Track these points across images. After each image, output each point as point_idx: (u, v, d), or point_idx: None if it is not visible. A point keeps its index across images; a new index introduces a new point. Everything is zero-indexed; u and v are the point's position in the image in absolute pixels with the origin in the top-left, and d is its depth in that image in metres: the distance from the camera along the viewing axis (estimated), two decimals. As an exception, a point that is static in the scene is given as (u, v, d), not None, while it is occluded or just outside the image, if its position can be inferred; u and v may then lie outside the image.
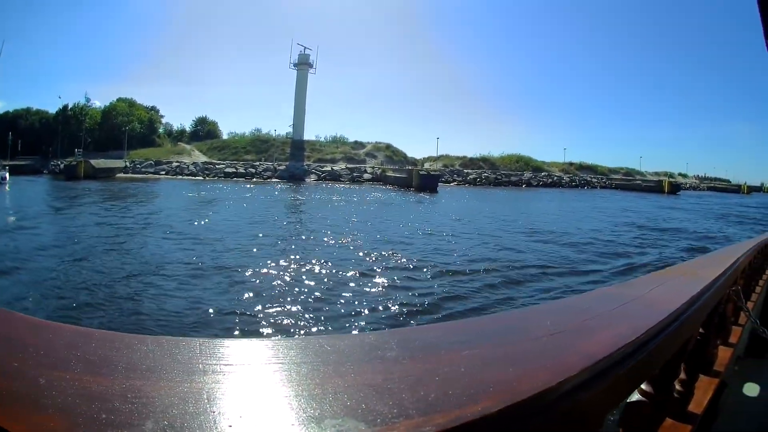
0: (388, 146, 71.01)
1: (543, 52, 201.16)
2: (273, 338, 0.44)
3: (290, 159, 64.10)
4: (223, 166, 61.35)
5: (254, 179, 57.38)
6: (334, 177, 58.95)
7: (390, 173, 55.90)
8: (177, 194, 34.44)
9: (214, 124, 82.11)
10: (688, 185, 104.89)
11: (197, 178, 58.29)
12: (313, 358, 0.54)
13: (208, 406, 0.42)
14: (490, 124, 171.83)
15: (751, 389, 2.58)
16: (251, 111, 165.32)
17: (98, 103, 75.95)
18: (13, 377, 0.43)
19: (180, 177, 58.22)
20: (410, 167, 56.11)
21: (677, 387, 1.56)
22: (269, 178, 58.15)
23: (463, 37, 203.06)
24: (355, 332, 6.34)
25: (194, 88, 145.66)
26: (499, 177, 66.89)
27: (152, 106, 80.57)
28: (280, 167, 60.24)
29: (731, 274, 2.01)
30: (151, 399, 0.42)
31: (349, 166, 62.27)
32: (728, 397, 2.29)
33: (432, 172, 51.01)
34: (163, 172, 60.28)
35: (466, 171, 66.73)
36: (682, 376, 1.59)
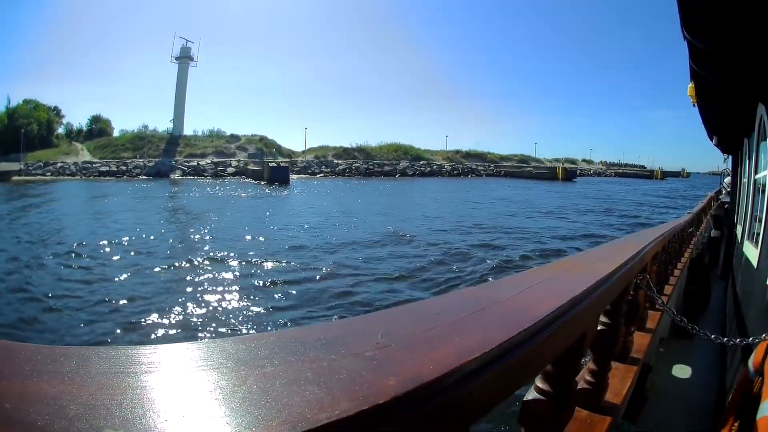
0: (262, 138, 73.39)
1: (433, 41, 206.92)
2: None
3: (163, 155, 66.43)
4: (99, 165, 63.30)
5: (125, 177, 59.63)
6: (198, 172, 61.49)
7: (251, 167, 58.45)
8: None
9: (106, 122, 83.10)
10: (591, 171, 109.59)
11: (76, 177, 60.27)
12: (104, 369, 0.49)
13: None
14: (373, 114, 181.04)
15: (681, 371, 2.72)
16: (145, 107, 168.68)
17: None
18: None
19: (62, 177, 59.84)
20: (265, 160, 57.94)
21: (589, 378, 1.60)
22: (138, 175, 60.46)
23: (347, 27, 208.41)
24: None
25: (100, 87, 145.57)
26: (371, 167, 70.23)
27: (54, 107, 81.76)
28: (150, 164, 62.68)
29: (636, 263, 1.92)
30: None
31: (215, 160, 64.89)
32: (656, 380, 2.31)
33: (281, 165, 53.09)
34: (49, 174, 61.63)
35: (336, 162, 70.08)
36: (593, 366, 1.63)
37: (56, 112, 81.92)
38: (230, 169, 62.23)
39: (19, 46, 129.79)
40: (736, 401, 1.70)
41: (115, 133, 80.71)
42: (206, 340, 0.58)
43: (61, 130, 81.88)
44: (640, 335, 2.55)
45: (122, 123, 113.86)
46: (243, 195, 37.00)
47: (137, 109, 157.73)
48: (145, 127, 78.11)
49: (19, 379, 0.44)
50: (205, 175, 61.06)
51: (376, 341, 0.66)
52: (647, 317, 2.92)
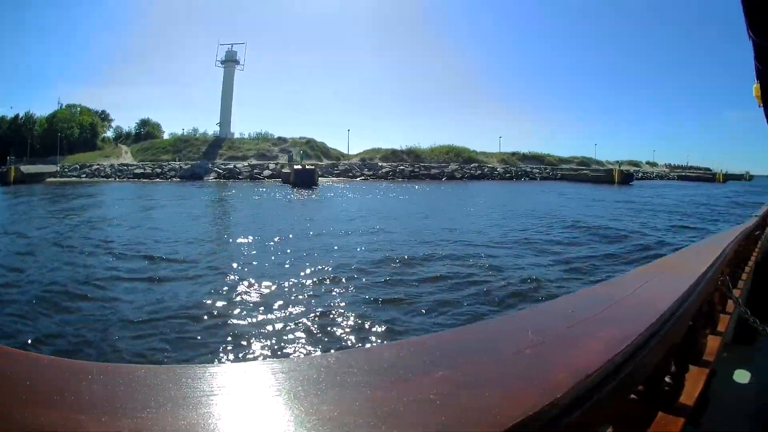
0: (308, 141, 69.86)
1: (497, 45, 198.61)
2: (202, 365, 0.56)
3: (203, 158, 63.96)
4: (134, 167, 61.60)
5: (157, 179, 57.35)
6: (234, 175, 58.41)
7: (285, 170, 54.89)
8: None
9: (155, 125, 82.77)
10: (654, 174, 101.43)
11: (110, 179, 58.80)
12: (261, 386, 0.48)
13: None
14: (428, 117, 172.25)
15: (742, 376, 2.68)
16: (198, 110, 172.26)
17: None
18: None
19: (96, 179, 58.71)
20: (291, 163, 54.99)
21: (667, 380, 1.51)
22: (172, 177, 58.00)
23: (398, 28, 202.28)
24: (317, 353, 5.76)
25: (155, 91, 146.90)
26: (417, 170, 65.25)
27: (102, 111, 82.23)
28: (186, 166, 59.99)
29: (720, 264, 2.01)
30: None
31: (254, 163, 61.67)
32: (718, 385, 2.19)
33: (308, 168, 49.92)
34: (84, 176, 60.85)
35: (380, 164, 65.44)
36: (672, 368, 1.54)
37: (103, 116, 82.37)
38: (266, 172, 58.67)
39: (75, 52, 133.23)
40: None
41: (165, 136, 79.74)
42: (358, 348, 0.53)
43: (110, 134, 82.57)
44: (711, 338, 2.47)
45: (174, 126, 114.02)
46: (255, 198, 34.15)
47: (191, 113, 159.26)
48: (195, 130, 76.66)
49: (128, 404, 0.43)
50: (241, 177, 57.83)
51: (530, 339, 0.67)
52: (719, 319, 2.79)
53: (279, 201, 32.37)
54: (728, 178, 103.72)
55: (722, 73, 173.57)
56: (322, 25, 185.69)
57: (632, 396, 1.17)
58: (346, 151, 73.28)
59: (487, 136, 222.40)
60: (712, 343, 2.37)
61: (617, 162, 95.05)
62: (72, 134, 72.50)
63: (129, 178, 58.73)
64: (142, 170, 60.33)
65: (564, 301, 1.11)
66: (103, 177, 59.93)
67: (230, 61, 75.77)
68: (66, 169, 61.60)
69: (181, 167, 60.30)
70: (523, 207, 28.20)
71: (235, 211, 25.47)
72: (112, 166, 62.94)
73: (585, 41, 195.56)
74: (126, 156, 68.95)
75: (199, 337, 6.56)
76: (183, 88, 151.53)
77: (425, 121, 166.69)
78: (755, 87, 3.21)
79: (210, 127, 76.73)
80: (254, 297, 8.44)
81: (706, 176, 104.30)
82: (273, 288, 8.94)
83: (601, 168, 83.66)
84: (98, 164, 63.72)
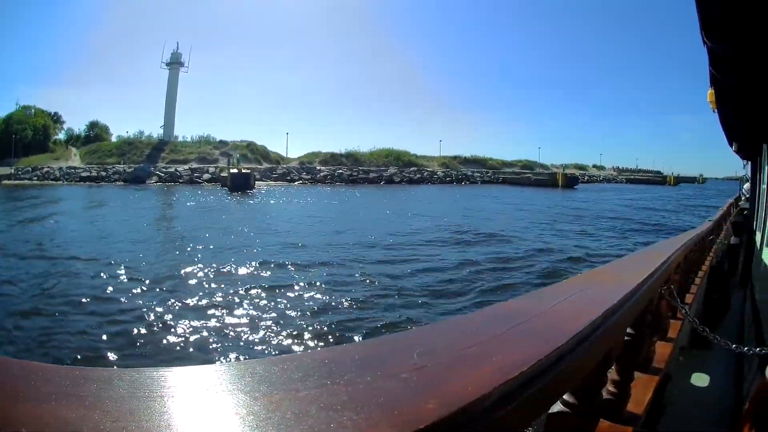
0: (249, 144, 71.90)
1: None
2: None
3: (146, 161, 65.88)
4: (81, 170, 63.51)
5: (103, 183, 59.33)
6: (174, 178, 60.45)
7: (224, 174, 56.80)
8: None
9: (103, 127, 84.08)
10: (601, 177, 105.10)
11: (59, 182, 60.77)
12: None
13: None
14: (370, 121, 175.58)
15: (700, 379, 2.70)
16: (147, 112, 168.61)
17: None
18: None
19: (47, 182, 60.53)
20: (227, 167, 57.02)
21: (611, 389, 1.55)
22: (116, 180, 60.13)
23: (346, 34, 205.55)
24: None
25: (107, 93, 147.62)
26: (355, 174, 68.05)
27: (54, 112, 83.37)
28: (129, 170, 62.27)
29: (662, 273, 1.97)
30: None
31: (194, 166, 63.85)
32: (674, 390, 2.28)
33: (243, 172, 51.75)
34: (36, 178, 62.61)
35: (319, 168, 68.36)
36: (615, 377, 1.57)
37: (56, 118, 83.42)
38: (206, 176, 60.82)
39: (34, 50, 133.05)
40: (753, 410, 1.78)
41: (113, 138, 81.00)
42: (235, 361, 0.53)
43: (61, 136, 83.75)
44: (661, 344, 2.49)
45: (123, 128, 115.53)
46: (189, 203, 35.45)
47: (140, 113, 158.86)
48: (141, 132, 78.44)
49: (36, 403, 0.43)
50: (181, 181, 59.97)
51: (413, 361, 0.63)
52: (669, 326, 2.87)
53: (209, 205, 33.84)
54: (680, 181, 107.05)
55: (673, 76, 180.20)
56: (264, 29, 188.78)
57: (565, 410, 1.17)
58: (285, 155, 75.61)
59: (429, 140, 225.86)
60: (663, 350, 2.37)
61: (562, 165, 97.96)
62: (26, 136, 73.79)
63: (76, 181, 60.52)
64: (88, 173, 62.32)
65: (472, 317, 1.01)
66: (52, 180, 61.77)
67: (175, 63, 77.37)
68: (20, 172, 63.27)
69: (125, 170, 62.39)
70: (448, 214, 28.14)
71: (164, 217, 26.87)
72: (60, 169, 64.74)
73: (529, 44, 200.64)
74: (75, 159, 70.55)
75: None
76: (133, 89, 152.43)
77: (366, 125, 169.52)
78: (710, 93, 3.58)
79: (156, 129, 78.85)
80: (135, 303, 9.12)
81: (657, 179, 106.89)
82: (154, 293, 9.74)
83: (545, 172, 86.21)
84: (48, 167, 65.51)
